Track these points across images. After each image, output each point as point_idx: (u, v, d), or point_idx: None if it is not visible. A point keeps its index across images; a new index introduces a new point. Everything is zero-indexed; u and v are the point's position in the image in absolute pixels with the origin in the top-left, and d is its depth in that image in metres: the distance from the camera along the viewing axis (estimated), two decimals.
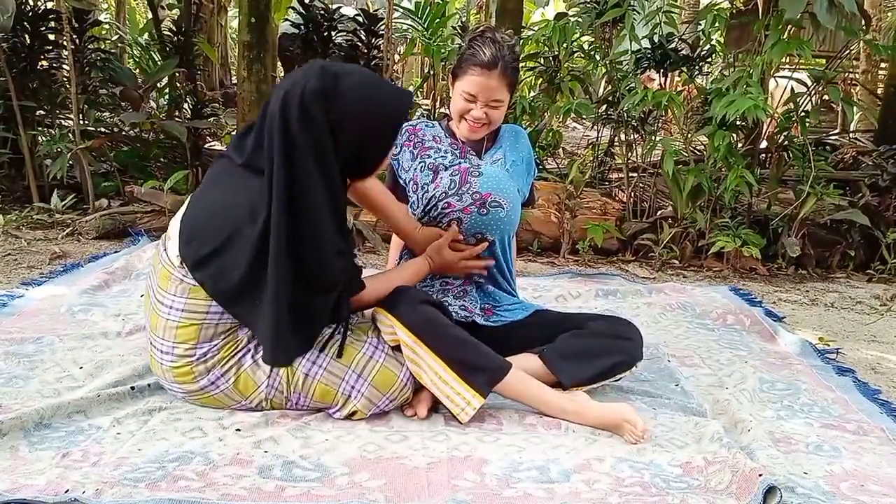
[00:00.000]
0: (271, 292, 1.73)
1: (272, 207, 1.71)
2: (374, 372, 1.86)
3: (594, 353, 2.04)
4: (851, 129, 5.90)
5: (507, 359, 1.96)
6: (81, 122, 4.46)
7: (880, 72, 8.01)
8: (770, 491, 1.54)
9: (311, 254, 1.76)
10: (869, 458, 1.85)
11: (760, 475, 1.57)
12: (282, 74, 5.79)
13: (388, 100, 1.84)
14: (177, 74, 5.06)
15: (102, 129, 4.87)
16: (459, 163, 2.17)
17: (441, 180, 2.15)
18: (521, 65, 2.22)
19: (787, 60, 5.44)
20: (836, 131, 6.15)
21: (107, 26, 9.02)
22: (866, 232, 3.94)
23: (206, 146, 5.14)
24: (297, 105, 1.72)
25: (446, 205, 2.13)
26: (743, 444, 1.83)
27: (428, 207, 2.16)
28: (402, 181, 2.27)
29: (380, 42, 5.08)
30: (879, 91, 6.73)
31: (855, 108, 4.18)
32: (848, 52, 4.70)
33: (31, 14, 4.56)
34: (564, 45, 4.40)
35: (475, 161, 2.20)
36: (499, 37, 2.12)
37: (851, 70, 8.19)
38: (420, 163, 2.21)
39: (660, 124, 4.73)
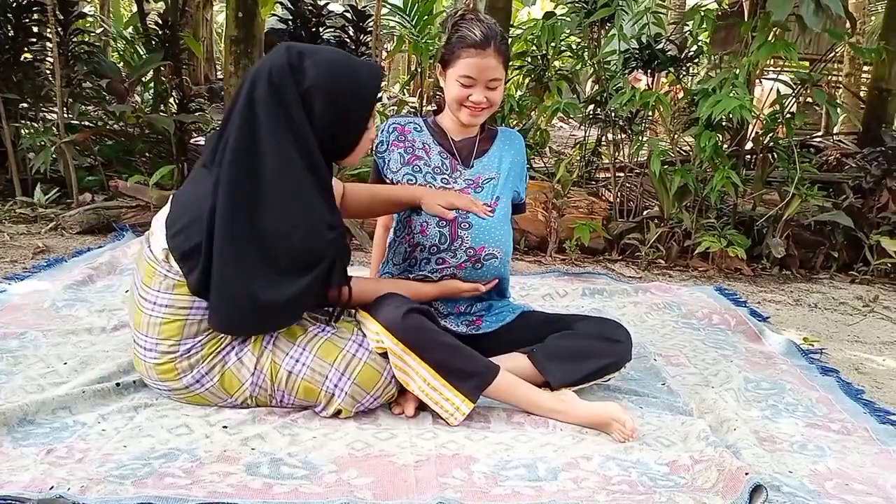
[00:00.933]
0: (234, 267, 1.72)
1: (230, 182, 1.69)
2: (358, 370, 1.85)
3: (583, 355, 2.04)
4: (835, 132, 5.96)
5: (495, 359, 1.97)
6: (66, 115, 4.41)
7: (863, 75, 8.11)
8: (756, 489, 1.55)
9: (297, 226, 1.73)
10: (853, 457, 1.87)
11: (746, 474, 1.59)
12: None
13: (356, 71, 1.81)
14: (162, 69, 5.02)
15: (87, 123, 4.82)
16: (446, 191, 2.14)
17: (428, 228, 2.10)
18: (509, 64, 2.21)
19: (773, 62, 5.50)
20: (821, 133, 6.21)
21: (91, 19, 8.92)
22: (850, 233, 3.98)
23: (191, 141, 5.10)
24: (266, 81, 1.72)
25: (440, 260, 2.09)
26: (729, 442, 1.84)
27: (418, 258, 2.12)
28: (388, 180, 2.22)
29: (368, 39, 5.07)
30: (862, 93, 6.80)
31: (839, 111, 4.22)
32: (833, 54, 4.74)
33: (14, 5, 4.50)
34: (553, 44, 4.41)
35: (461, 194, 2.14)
36: (482, 16, 2.10)
37: (835, 73, 8.27)
38: (411, 172, 2.17)
39: (647, 124, 4.75)
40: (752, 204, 4.19)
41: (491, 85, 2.07)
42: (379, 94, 1.86)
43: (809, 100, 4.21)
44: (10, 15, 4.44)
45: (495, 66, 2.06)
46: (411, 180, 2.15)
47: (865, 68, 8.09)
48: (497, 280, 2.18)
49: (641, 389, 2.21)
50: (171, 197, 1.90)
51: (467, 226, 2.09)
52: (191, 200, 1.81)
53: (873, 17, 9.26)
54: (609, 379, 2.12)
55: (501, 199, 2.17)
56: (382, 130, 2.24)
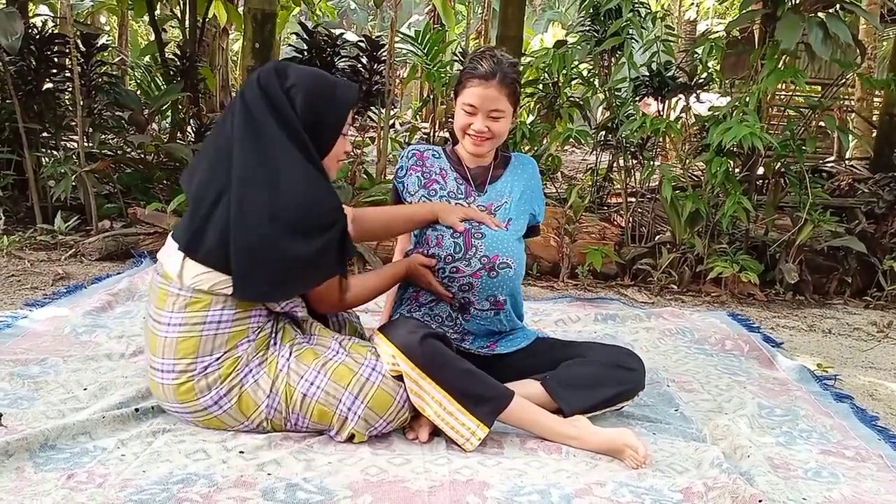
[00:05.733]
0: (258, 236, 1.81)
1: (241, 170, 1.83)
2: (371, 394, 1.88)
3: (596, 382, 2.06)
4: (847, 157, 5.97)
5: (509, 385, 1.98)
6: (86, 144, 4.50)
7: (875, 99, 8.11)
8: None
9: (303, 192, 1.84)
10: (867, 484, 1.87)
11: (760, 501, 1.59)
12: None
13: (333, 80, 2.00)
14: (180, 98, 5.12)
15: (107, 152, 4.91)
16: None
17: (443, 239, 2.14)
18: (521, 90, 2.26)
19: (784, 87, 5.54)
20: (832, 158, 6.22)
21: (109, 48, 9.11)
22: (863, 259, 3.98)
23: None
24: (255, 85, 1.90)
25: (455, 269, 2.12)
26: (742, 469, 1.84)
27: (435, 268, 2.17)
28: (406, 203, 2.28)
29: (381, 67, 5.15)
30: (874, 118, 6.81)
31: (850, 136, 4.23)
32: (844, 80, 4.77)
33: (38, 37, 4.63)
34: (564, 71, 4.47)
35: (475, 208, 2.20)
36: (498, 54, 2.16)
37: (847, 97, 8.28)
38: (427, 194, 2.23)
39: (658, 150, 4.78)
40: (765, 229, 4.20)
41: (493, 115, 2.13)
42: (355, 100, 2.02)
43: (822, 123, 4.23)
44: (33, 47, 4.57)
45: (497, 98, 2.12)
46: (427, 202, 2.21)
47: (878, 92, 8.09)
48: (451, 297, 2.18)
49: (654, 415, 2.22)
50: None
51: (480, 235, 2.13)
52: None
53: (885, 43, 9.28)
54: (622, 406, 2.13)
55: (513, 221, 2.22)
56: (403, 157, 2.33)
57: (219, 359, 1.87)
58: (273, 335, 1.95)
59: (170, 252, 1.91)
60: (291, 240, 1.81)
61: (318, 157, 1.95)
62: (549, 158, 4.82)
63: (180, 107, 5.30)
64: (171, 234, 1.96)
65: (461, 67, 2.26)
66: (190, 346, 1.86)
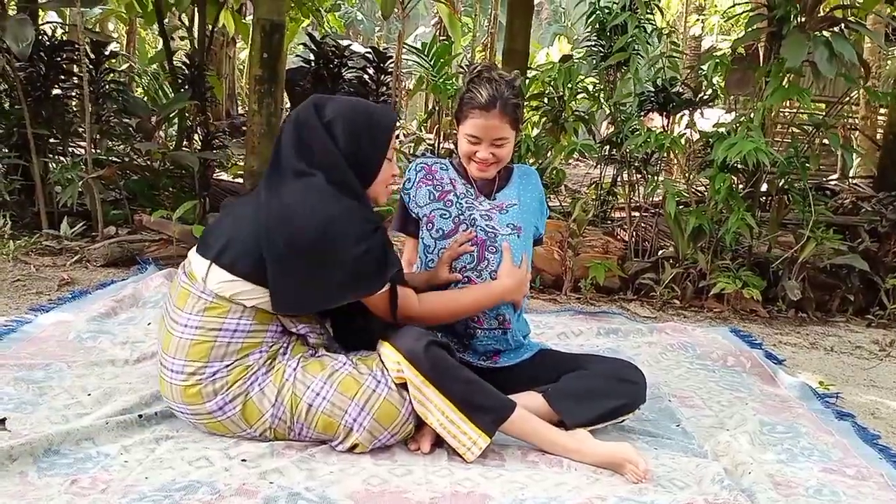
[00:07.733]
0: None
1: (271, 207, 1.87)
2: (377, 405, 1.88)
3: (597, 395, 2.06)
4: (851, 175, 5.97)
5: (511, 397, 1.99)
6: (93, 150, 4.53)
7: (880, 117, 8.12)
8: None
9: (325, 218, 1.84)
10: (868, 503, 1.87)
11: None
12: (290, 108, 5.91)
13: (373, 109, 2.02)
14: (187, 106, 5.15)
15: (114, 159, 4.94)
16: (475, 226, 2.19)
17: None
18: (526, 104, 2.28)
19: (789, 104, 5.56)
20: (836, 176, 6.23)
21: (117, 55, 9.17)
22: (866, 277, 3.98)
23: (214, 176, 5.21)
24: (292, 122, 1.96)
25: (467, 279, 2.15)
26: (743, 486, 1.85)
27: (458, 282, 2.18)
28: (413, 214, 2.28)
29: (388, 79, 5.19)
30: (878, 137, 6.82)
31: (854, 154, 4.24)
32: (848, 98, 4.78)
33: (48, 44, 4.66)
34: (569, 86, 4.49)
35: (488, 222, 2.20)
36: (496, 75, 2.14)
37: (851, 115, 8.30)
38: (441, 207, 2.23)
39: (662, 165, 4.80)
40: (768, 246, 4.20)
41: (497, 143, 2.15)
42: (396, 125, 2.03)
43: (826, 141, 4.24)
44: (42, 53, 4.60)
45: (499, 126, 2.12)
46: (444, 214, 2.22)
47: (882, 111, 8.11)
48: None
49: (656, 430, 2.22)
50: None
51: (494, 249, 2.16)
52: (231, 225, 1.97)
53: (889, 62, 9.30)
54: (623, 420, 2.14)
55: (523, 227, 2.24)
56: (410, 169, 2.33)
57: (228, 366, 1.88)
58: (283, 346, 1.96)
59: (197, 260, 1.93)
60: (311, 255, 1.84)
61: (365, 183, 1.96)
62: (554, 172, 4.84)
63: (187, 115, 5.33)
64: (196, 246, 1.98)
65: (461, 88, 2.25)
66: (202, 351, 1.87)
